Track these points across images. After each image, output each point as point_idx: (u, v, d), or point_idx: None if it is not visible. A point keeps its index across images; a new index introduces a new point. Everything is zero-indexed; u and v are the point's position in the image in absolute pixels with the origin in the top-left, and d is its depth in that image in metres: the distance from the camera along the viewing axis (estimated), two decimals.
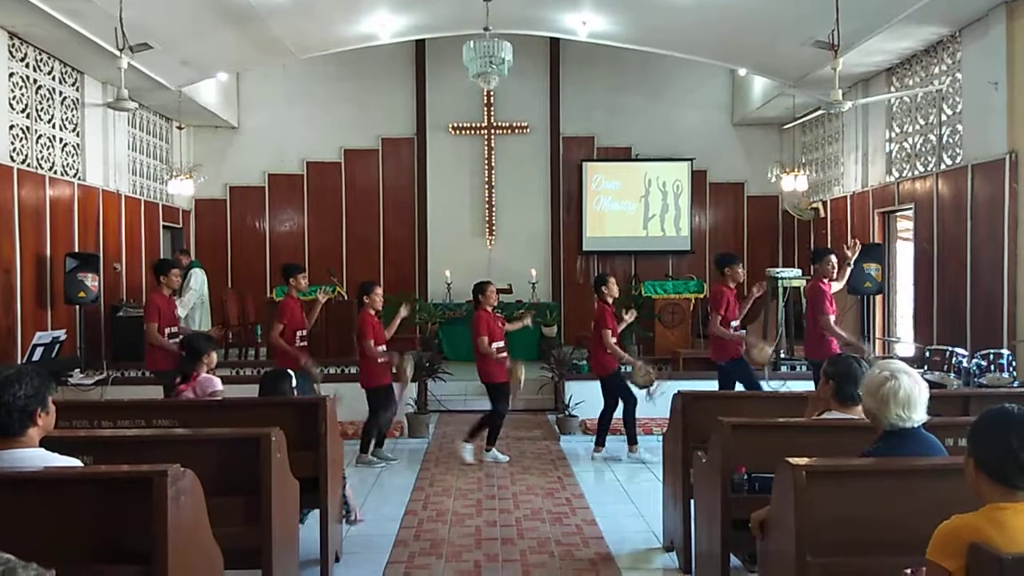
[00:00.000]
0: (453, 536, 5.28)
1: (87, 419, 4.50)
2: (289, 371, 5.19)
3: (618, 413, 7.39)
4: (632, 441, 7.33)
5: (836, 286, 7.08)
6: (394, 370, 7.25)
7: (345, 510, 5.25)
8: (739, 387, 7.14)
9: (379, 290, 7.34)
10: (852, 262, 7.26)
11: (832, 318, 6.78)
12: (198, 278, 11.19)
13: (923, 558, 2.11)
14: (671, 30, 10.06)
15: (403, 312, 7.49)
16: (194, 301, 10.97)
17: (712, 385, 7.30)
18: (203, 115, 12.43)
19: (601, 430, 7.45)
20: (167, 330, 6.98)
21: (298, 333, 7.33)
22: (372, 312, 7.20)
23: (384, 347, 7.23)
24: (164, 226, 12.30)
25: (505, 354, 7.26)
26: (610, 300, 7.42)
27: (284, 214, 13.72)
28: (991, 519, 2.07)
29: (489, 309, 7.28)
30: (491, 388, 7.25)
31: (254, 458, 3.55)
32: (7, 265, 8.20)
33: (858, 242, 7.32)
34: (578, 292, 13.55)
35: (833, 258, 7.02)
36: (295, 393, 4.97)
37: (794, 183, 12.13)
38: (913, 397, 2.88)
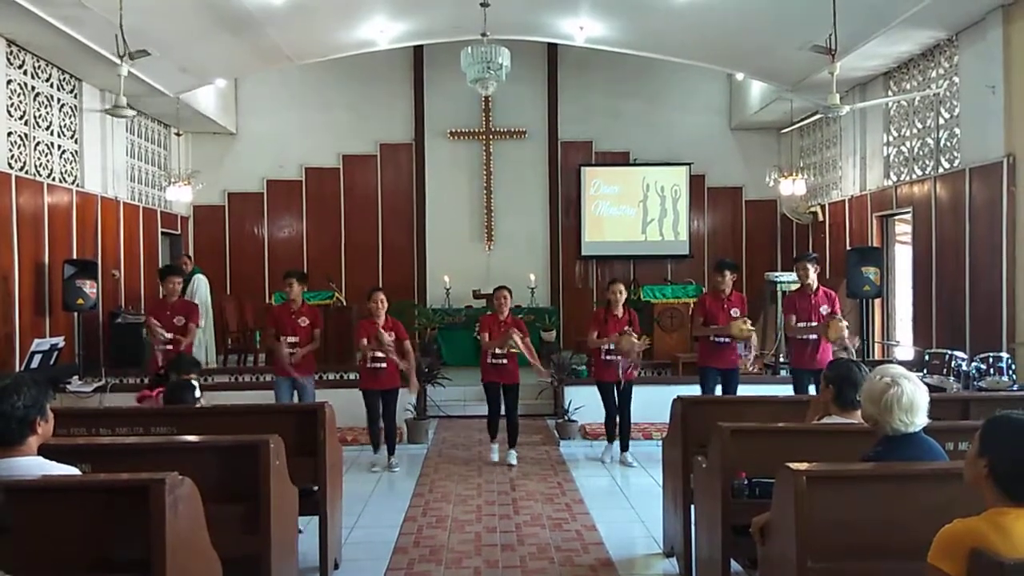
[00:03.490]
0: (453, 542, 5.26)
1: (85, 427, 4.50)
2: (193, 382, 4.98)
3: (603, 416, 7.44)
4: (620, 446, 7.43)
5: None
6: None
7: None
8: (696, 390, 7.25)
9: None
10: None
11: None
12: (202, 285, 11.16)
13: (924, 563, 2.11)
14: (668, 35, 10.07)
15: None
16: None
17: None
18: (201, 121, 12.44)
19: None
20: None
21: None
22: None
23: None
24: (163, 232, 12.29)
25: (500, 361, 7.25)
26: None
27: (283, 220, 13.71)
28: (993, 524, 2.07)
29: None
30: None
31: (253, 465, 3.54)
32: (5, 272, 8.19)
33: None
34: (577, 297, 13.56)
35: (809, 265, 7.15)
36: (199, 402, 4.85)
37: (792, 187, 12.14)
38: (916, 402, 2.88)
